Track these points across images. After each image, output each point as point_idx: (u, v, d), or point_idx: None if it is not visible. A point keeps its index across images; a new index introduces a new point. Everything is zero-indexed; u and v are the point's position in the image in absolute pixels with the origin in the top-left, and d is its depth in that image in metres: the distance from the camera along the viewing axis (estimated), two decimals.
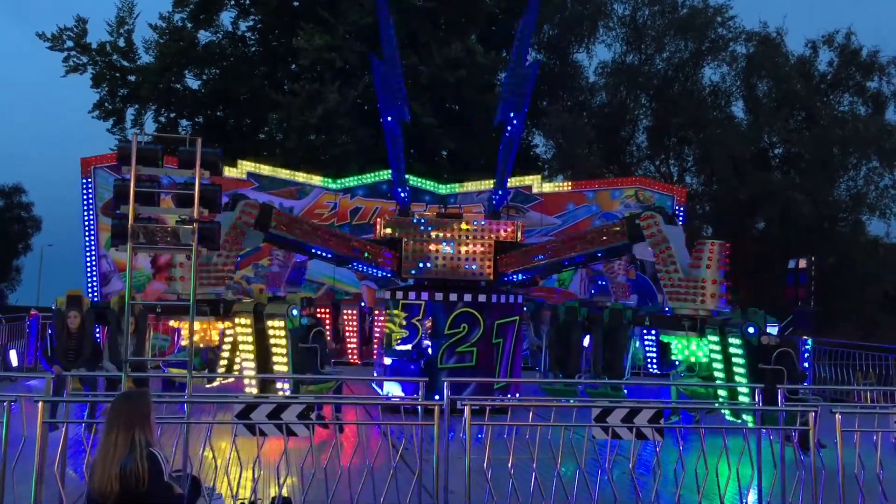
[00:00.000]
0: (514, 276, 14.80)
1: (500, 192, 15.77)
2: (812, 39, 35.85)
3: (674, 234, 13.20)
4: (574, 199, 24.41)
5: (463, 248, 14.45)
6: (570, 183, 25.64)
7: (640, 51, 36.72)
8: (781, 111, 34.52)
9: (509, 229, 14.66)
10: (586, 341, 15.54)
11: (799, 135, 34.49)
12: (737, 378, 11.69)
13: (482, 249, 14.45)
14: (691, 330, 12.94)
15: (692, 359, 13.55)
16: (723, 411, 11.34)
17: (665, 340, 14.99)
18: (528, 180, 24.34)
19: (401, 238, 14.55)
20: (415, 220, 14.73)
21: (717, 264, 12.77)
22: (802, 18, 38.74)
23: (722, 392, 12.32)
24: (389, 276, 14.92)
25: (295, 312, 12.33)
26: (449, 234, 14.47)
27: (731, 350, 11.88)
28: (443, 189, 24.04)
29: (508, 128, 15.40)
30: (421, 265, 14.40)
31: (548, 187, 25.05)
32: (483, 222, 14.75)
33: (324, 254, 14.77)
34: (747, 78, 35.84)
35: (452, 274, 14.39)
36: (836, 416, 6.74)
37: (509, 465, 6.70)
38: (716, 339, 12.29)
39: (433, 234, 14.50)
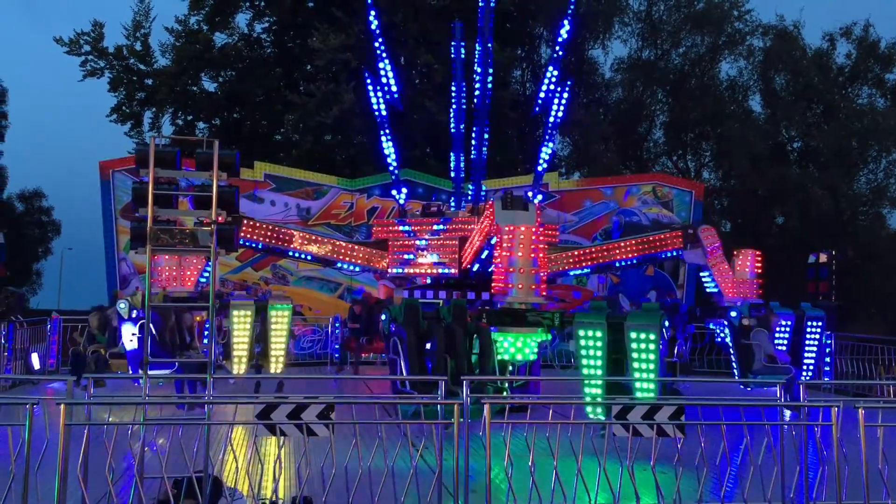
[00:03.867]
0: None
1: (472, 189, 16.47)
2: (829, 32, 35.60)
3: (507, 219, 12.89)
4: (591, 196, 24.34)
5: (432, 246, 14.99)
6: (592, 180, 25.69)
7: (656, 46, 36.52)
8: (799, 105, 34.28)
9: (470, 227, 15.05)
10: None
11: (817, 128, 34.22)
12: (638, 374, 11.31)
13: (449, 246, 14.92)
14: (528, 325, 12.77)
15: (518, 356, 13.17)
16: (587, 409, 10.74)
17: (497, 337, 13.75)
18: (544, 178, 24.28)
19: (386, 238, 15.29)
20: (397, 221, 15.42)
21: (528, 252, 12.52)
22: (819, 11, 38.51)
23: (591, 390, 11.77)
24: (380, 273, 15.71)
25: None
26: (422, 234, 14.99)
27: (636, 345, 11.42)
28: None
29: (476, 130, 16.12)
30: (401, 263, 15.04)
31: (564, 184, 25.03)
32: (448, 220, 15.15)
33: (302, 256, 15.94)
34: (764, 72, 35.58)
35: (426, 270, 15.02)
36: (860, 411, 6.68)
37: (529, 463, 6.69)
38: (588, 332, 11.83)
39: (410, 233, 15.16)
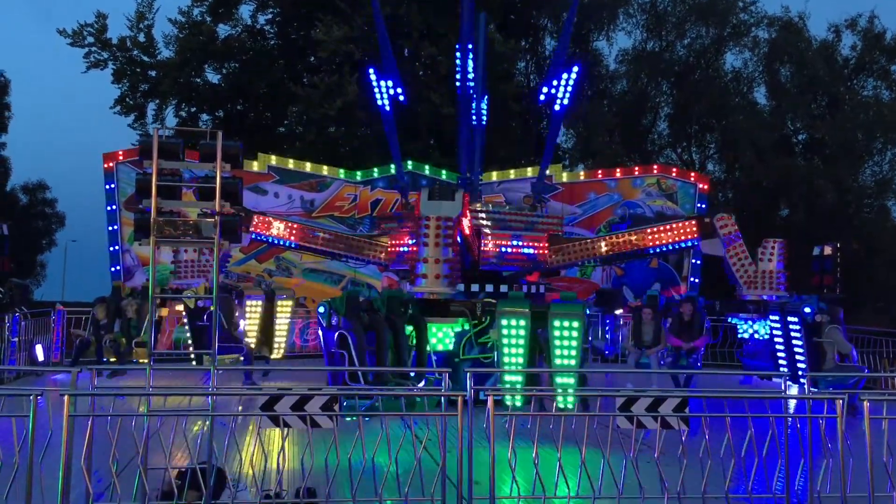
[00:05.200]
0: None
1: (463, 183, 16.57)
2: (835, 23, 35.52)
3: (432, 209, 12.87)
4: (595, 189, 24.29)
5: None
6: (601, 171, 25.57)
7: (660, 37, 36.43)
8: (804, 97, 34.20)
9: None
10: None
11: (822, 120, 34.12)
12: (560, 361, 11.68)
13: None
14: (451, 315, 12.94)
15: (440, 346, 13.36)
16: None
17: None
18: (548, 170, 24.20)
19: (387, 231, 15.24)
20: (395, 214, 15.37)
21: (438, 242, 12.49)
22: (824, 2, 38.25)
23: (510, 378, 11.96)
24: (384, 266, 15.69)
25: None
26: (414, 227, 14.96)
27: (559, 333, 11.73)
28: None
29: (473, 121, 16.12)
30: (397, 257, 15.03)
31: (569, 176, 24.99)
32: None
33: (310, 250, 16.30)
34: (769, 63, 35.49)
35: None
36: (865, 403, 6.66)
37: (533, 455, 6.68)
38: (511, 321, 11.95)
39: (402, 225, 15.18)
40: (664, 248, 16.28)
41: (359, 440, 6.51)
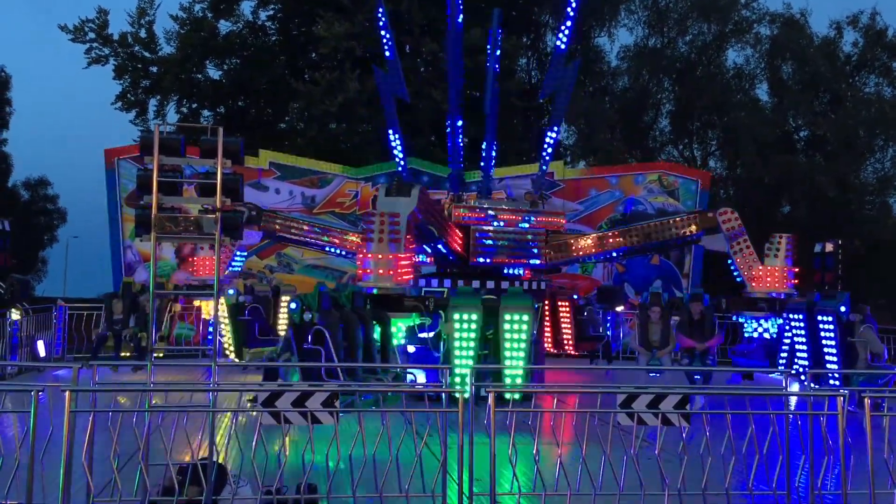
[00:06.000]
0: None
1: (453, 178, 16.85)
2: (836, 20, 35.40)
3: (388, 205, 12.99)
4: (596, 185, 24.26)
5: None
6: (599, 168, 25.55)
7: (662, 34, 36.34)
8: (806, 93, 34.12)
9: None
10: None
11: (824, 117, 34.06)
12: (510, 353, 11.98)
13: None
14: (406, 310, 13.01)
15: (393, 341, 13.34)
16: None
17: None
18: (549, 166, 24.16)
19: None
20: None
21: (383, 238, 12.53)
22: None
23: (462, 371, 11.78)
24: None
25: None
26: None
27: (509, 327, 12.05)
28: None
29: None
30: None
31: (570, 173, 24.97)
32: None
33: (317, 246, 16.85)
34: (771, 60, 35.41)
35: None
36: (866, 400, 6.66)
37: (534, 451, 6.68)
38: (463, 315, 12.08)
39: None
40: (667, 244, 16.15)
41: (359, 436, 6.51)
